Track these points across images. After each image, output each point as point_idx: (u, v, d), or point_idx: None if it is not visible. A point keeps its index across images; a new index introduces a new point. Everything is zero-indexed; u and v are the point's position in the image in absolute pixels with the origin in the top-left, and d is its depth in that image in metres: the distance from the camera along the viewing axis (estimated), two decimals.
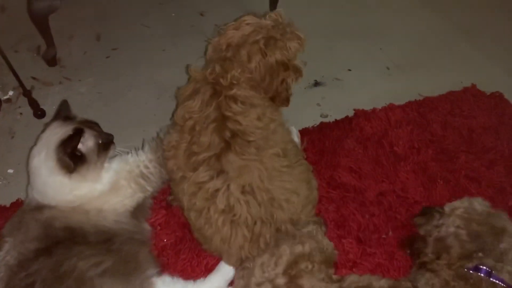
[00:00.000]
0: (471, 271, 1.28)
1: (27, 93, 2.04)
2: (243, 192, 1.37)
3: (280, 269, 1.36)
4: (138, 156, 1.59)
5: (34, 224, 1.34)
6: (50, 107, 2.12)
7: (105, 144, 1.49)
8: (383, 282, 1.28)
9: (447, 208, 1.47)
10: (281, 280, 1.33)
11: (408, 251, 1.48)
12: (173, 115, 1.55)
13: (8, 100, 2.15)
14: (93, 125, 1.51)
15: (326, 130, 2.05)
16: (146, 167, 1.56)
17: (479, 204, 1.44)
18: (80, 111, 2.09)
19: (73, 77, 2.28)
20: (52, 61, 2.30)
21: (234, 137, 1.39)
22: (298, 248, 1.40)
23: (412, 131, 2.04)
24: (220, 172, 1.38)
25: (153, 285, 1.35)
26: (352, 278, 1.31)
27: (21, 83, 2.02)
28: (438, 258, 1.35)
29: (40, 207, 1.40)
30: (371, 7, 2.81)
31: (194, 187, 1.40)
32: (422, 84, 2.32)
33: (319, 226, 1.58)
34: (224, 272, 1.51)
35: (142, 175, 1.55)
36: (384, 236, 1.69)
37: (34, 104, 2.06)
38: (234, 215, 1.37)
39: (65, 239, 1.33)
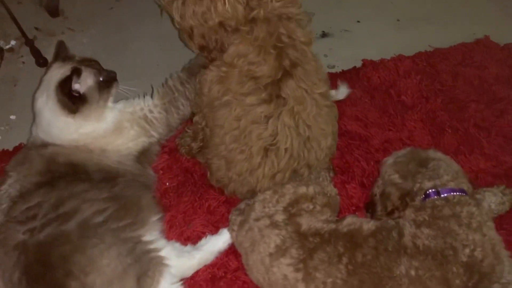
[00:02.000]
0: (424, 201, 1.31)
1: (29, 42, 2.02)
2: (292, 122, 1.33)
3: (281, 206, 1.35)
4: (143, 100, 1.56)
5: (38, 159, 1.34)
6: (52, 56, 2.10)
7: (107, 82, 1.46)
8: (372, 224, 1.29)
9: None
10: (280, 217, 1.32)
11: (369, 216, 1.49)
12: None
13: (11, 50, 2.14)
14: (92, 63, 1.47)
15: (333, 80, 1.99)
16: (151, 111, 1.53)
17: (404, 150, 1.48)
18: None
19: (76, 28, 2.25)
20: (54, 12, 2.27)
21: (295, 66, 1.34)
22: (302, 189, 1.38)
23: (421, 81, 1.98)
24: (277, 97, 1.33)
25: (159, 250, 1.32)
26: (348, 221, 1.31)
27: (24, 33, 2.00)
28: (385, 210, 1.38)
29: (45, 144, 1.39)
30: None
31: (241, 109, 1.34)
32: (433, 36, 2.24)
33: (328, 171, 1.57)
34: (225, 236, 1.48)
35: (146, 119, 1.52)
36: None
37: (36, 53, 2.05)
38: (273, 144, 1.34)
39: (68, 175, 1.32)
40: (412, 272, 1.17)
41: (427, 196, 1.31)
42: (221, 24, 1.32)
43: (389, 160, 1.46)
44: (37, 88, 1.47)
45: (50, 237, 1.18)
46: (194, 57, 1.63)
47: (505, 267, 1.21)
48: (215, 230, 1.52)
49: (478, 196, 1.45)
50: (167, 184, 1.64)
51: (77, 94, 1.39)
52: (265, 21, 1.32)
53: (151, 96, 1.58)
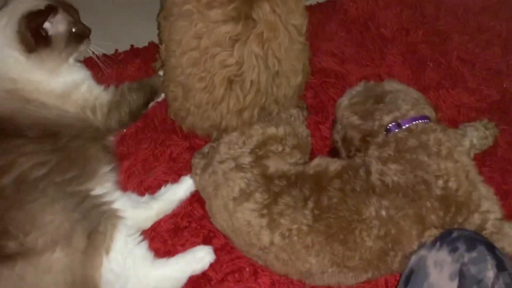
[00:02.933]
0: (386, 135, 1.20)
1: None
2: (260, 50, 1.18)
3: (248, 148, 1.23)
4: (104, 92, 1.39)
5: None
6: None
7: (78, 36, 1.29)
8: (338, 163, 1.18)
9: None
10: (246, 159, 1.20)
11: None
12: None
13: None
14: (71, 10, 1.29)
15: (307, 13, 1.83)
16: (101, 104, 1.36)
17: (358, 87, 1.36)
18: None
19: None
20: None
21: None
22: (271, 130, 1.26)
23: (402, 12, 1.83)
24: (246, 17, 1.15)
25: (112, 202, 1.20)
26: (315, 162, 1.20)
27: None
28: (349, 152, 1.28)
29: None
30: None
31: (203, 25, 1.16)
32: None
33: (301, 111, 1.44)
34: (186, 183, 1.36)
35: (92, 107, 1.34)
36: None
37: None
38: (238, 75, 1.19)
39: None
40: (383, 213, 1.07)
41: (388, 131, 1.19)
42: None
43: (344, 101, 1.33)
44: None
45: None
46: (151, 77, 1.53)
47: (481, 192, 1.12)
48: (177, 178, 1.39)
49: (460, 131, 1.34)
50: (124, 130, 1.49)
51: (43, 34, 1.22)
52: None
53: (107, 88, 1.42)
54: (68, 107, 1.30)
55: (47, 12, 1.22)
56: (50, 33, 1.23)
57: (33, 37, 1.20)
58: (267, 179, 1.15)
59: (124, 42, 1.75)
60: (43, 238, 1.05)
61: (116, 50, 1.72)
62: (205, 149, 1.39)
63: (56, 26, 1.24)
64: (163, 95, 1.51)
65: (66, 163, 1.17)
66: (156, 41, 1.73)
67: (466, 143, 1.29)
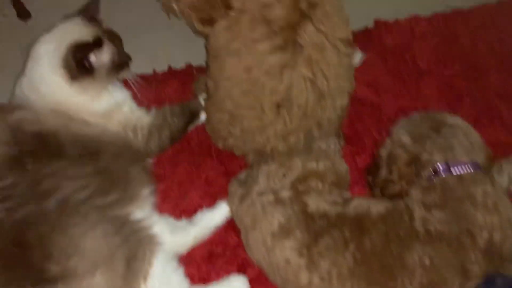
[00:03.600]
0: (432, 178, 1.18)
1: None
2: (310, 73, 1.19)
3: (288, 181, 1.23)
4: (145, 114, 1.40)
5: (3, 126, 1.18)
6: (36, 8, 1.92)
7: (119, 65, 1.31)
8: (380, 206, 1.17)
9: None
10: (286, 193, 1.20)
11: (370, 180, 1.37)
12: None
13: None
14: (115, 39, 1.31)
15: None
16: (141, 126, 1.37)
17: (418, 113, 1.35)
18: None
19: None
20: None
21: (313, 7, 1.18)
22: (312, 165, 1.25)
23: (438, 45, 1.82)
24: (293, 43, 1.17)
25: (151, 227, 1.21)
26: (355, 203, 1.19)
27: None
28: (390, 174, 1.26)
29: (13, 108, 1.23)
30: None
31: (252, 58, 1.18)
32: None
33: (338, 139, 1.45)
34: (222, 209, 1.36)
35: (134, 129, 1.35)
36: None
37: (18, 5, 1.86)
38: (286, 99, 1.20)
39: (37, 149, 1.16)
40: (426, 261, 1.06)
41: (436, 171, 1.17)
42: None
43: (403, 120, 1.33)
44: (48, 32, 1.30)
45: (27, 217, 1.05)
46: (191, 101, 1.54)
47: None
48: (213, 203, 1.39)
49: (495, 168, 1.32)
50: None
51: (86, 64, 1.23)
52: None
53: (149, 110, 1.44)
54: (110, 126, 1.32)
55: (94, 45, 1.23)
56: (94, 64, 1.24)
57: (77, 66, 1.22)
58: (308, 217, 1.15)
59: (161, 62, 1.77)
60: (84, 263, 1.05)
61: (154, 70, 1.74)
62: (242, 176, 1.39)
63: (100, 57, 1.25)
64: (202, 118, 1.53)
65: (107, 186, 1.18)
66: (193, 62, 1.75)
67: (504, 179, 1.27)
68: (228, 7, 1.21)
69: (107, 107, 1.30)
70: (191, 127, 1.53)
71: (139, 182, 1.25)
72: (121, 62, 1.31)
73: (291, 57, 1.17)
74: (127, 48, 1.39)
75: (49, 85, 1.24)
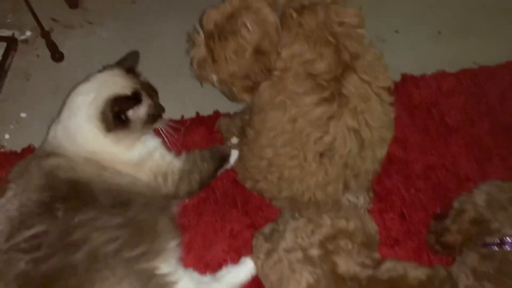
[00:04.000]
0: (495, 247, 1.14)
1: (45, 34, 1.88)
2: (355, 123, 1.19)
3: (316, 239, 1.20)
4: (176, 159, 1.42)
5: (37, 172, 1.19)
6: (69, 51, 1.97)
7: (154, 117, 1.32)
8: (420, 272, 1.13)
9: None
10: (315, 251, 1.17)
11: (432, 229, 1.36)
12: None
13: (25, 41, 2.00)
14: (152, 93, 1.33)
15: None
16: (172, 171, 1.38)
17: (504, 181, 1.32)
18: (101, 57, 1.95)
19: (95, 21, 2.10)
20: (74, 3, 2.13)
21: (356, 58, 1.19)
22: (341, 223, 1.23)
23: (466, 102, 1.82)
24: (339, 95, 1.18)
25: (176, 282, 1.19)
26: (387, 265, 1.16)
27: (40, 24, 1.86)
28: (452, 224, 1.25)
29: (48, 154, 1.24)
30: None
31: (298, 110, 1.19)
32: (478, 52, 2.06)
33: (368, 193, 1.43)
34: (247, 266, 1.34)
35: (164, 175, 1.36)
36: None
37: (52, 46, 1.91)
38: (329, 149, 1.20)
39: (69, 196, 1.16)
40: None
41: (502, 242, 1.13)
42: (257, 51, 1.20)
43: (488, 182, 1.31)
44: (86, 81, 1.31)
45: (55, 269, 1.04)
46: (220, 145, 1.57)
47: None
48: (237, 257, 1.37)
49: None
50: (186, 200, 1.49)
51: (123, 118, 1.24)
52: (311, 11, 1.19)
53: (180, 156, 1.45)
54: (142, 174, 1.32)
55: (133, 100, 1.25)
56: (130, 118, 1.25)
57: (114, 119, 1.23)
58: (338, 278, 1.12)
59: (189, 108, 1.79)
60: None
61: (182, 116, 1.75)
62: (266, 229, 1.37)
63: (137, 112, 1.27)
64: (232, 163, 1.52)
65: (136, 238, 1.16)
66: (221, 110, 1.77)
67: None
68: (271, 70, 1.23)
69: (139, 156, 1.31)
70: (220, 172, 1.53)
71: (167, 234, 1.24)
72: (155, 115, 1.32)
73: (337, 108, 1.18)
74: None
75: (84, 135, 1.24)
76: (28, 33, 2.02)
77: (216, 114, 1.76)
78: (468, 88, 1.88)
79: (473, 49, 2.09)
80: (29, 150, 1.61)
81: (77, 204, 1.15)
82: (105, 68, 1.34)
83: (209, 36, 1.26)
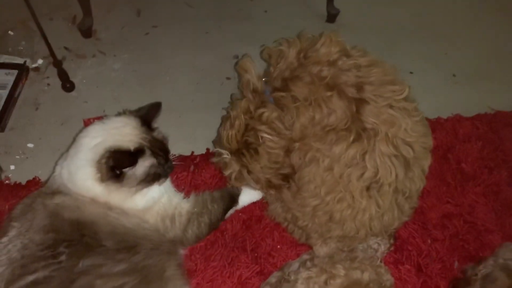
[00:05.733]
0: None
1: (57, 63, 1.86)
2: (391, 148, 1.15)
3: None
4: (184, 201, 1.37)
5: (42, 211, 1.14)
6: (80, 81, 1.95)
7: (154, 176, 1.23)
8: None
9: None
10: None
11: None
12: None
13: (37, 69, 1.98)
14: (159, 152, 1.23)
15: None
16: (180, 213, 1.33)
17: None
18: (112, 88, 1.95)
19: (108, 52, 2.09)
20: (87, 33, 2.13)
21: (360, 88, 1.16)
22: (356, 275, 1.17)
23: (483, 148, 1.77)
24: (363, 130, 1.14)
25: None
26: None
27: (52, 52, 1.84)
28: None
29: (54, 192, 1.19)
30: (438, 7, 2.54)
31: (331, 160, 1.16)
32: (493, 96, 2.05)
33: (389, 240, 1.40)
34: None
35: (172, 218, 1.31)
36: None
37: (63, 76, 1.89)
38: (375, 182, 1.16)
39: (73, 239, 1.10)
40: None
41: None
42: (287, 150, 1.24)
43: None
44: (99, 123, 1.26)
45: None
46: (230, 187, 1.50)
47: None
48: None
49: None
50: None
51: (117, 172, 1.17)
52: (295, 79, 1.19)
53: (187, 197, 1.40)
54: (149, 217, 1.27)
55: (133, 157, 1.17)
56: (125, 172, 1.18)
57: (107, 172, 1.16)
58: None
59: (200, 144, 1.75)
60: None
61: (192, 152, 1.71)
62: (273, 279, 1.31)
63: (133, 170, 1.18)
64: (241, 204, 1.48)
65: (142, 286, 1.10)
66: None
67: None
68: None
69: (145, 203, 1.26)
70: (230, 214, 1.47)
71: (175, 282, 1.18)
72: (156, 175, 1.24)
73: (367, 144, 1.15)
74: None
75: (82, 178, 1.19)
76: (40, 61, 2.01)
77: None
78: (485, 134, 1.84)
79: (488, 94, 2.07)
80: (34, 183, 1.56)
81: (81, 248, 1.09)
82: (124, 113, 1.28)
83: (237, 154, 1.29)
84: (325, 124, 1.16)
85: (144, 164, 1.20)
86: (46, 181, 1.36)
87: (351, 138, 1.14)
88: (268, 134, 1.21)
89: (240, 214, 1.52)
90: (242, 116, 1.26)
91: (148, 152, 1.20)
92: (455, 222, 1.54)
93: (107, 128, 1.22)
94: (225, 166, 1.35)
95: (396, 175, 1.17)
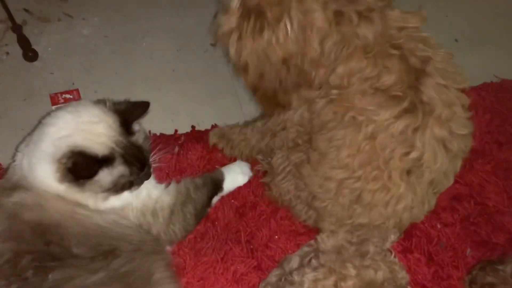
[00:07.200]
0: None
1: (16, 28, 1.63)
2: (444, 132, 1.04)
3: None
4: (158, 188, 1.19)
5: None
6: (44, 49, 1.72)
7: (123, 186, 1.05)
8: None
9: None
10: None
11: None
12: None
13: None
14: (133, 161, 1.04)
15: None
16: (162, 207, 1.16)
17: None
18: (81, 57, 1.72)
19: (75, 15, 1.85)
20: None
21: (426, 61, 1.04)
22: (369, 274, 1.04)
23: (491, 121, 1.65)
24: (420, 103, 1.02)
25: None
26: None
27: (10, 16, 1.61)
28: None
29: (13, 187, 1.01)
30: None
31: (376, 126, 1.02)
32: (498, 63, 1.91)
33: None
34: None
35: (153, 212, 1.15)
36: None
37: (24, 43, 1.66)
38: (418, 166, 1.04)
39: (39, 249, 0.93)
40: None
41: None
42: (284, 61, 1.01)
43: None
44: (70, 109, 1.06)
45: None
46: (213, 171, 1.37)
47: None
48: None
49: None
50: None
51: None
52: (368, 20, 1.01)
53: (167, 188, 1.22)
54: (127, 213, 1.10)
55: (98, 164, 0.99)
56: (88, 178, 1.00)
57: (66, 174, 0.98)
58: None
59: (184, 121, 1.57)
60: None
61: (176, 130, 1.53)
62: (272, 278, 1.18)
63: (99, 177, 1.00)
64: (226, 190, 1.34)
65: None
66: (220, 123, 1.55)
67: None
68: (312, 85, 1.07)
69: (119, 203, 1.08)
70: (215, 201, 1.32)
71: (164, 287, 1.03)
72: (125, 185, 1.06)
73: (422, 118, 1.02)
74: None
75: (41, 174, 1.00)
76: None
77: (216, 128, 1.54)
78: (492, 106, 1.71)
79: (493, 60, 1.93)
80: None
81: (48, 259, 0.92)
82: (104, 102, 1.07)
83: (246, 12, 1.03)
84: (374, 78, 1.01)
85: (112, 173, 1.01)
86: (6, 170, 1.18)
87: (405, 105, 1.00)
88: (293, 26, 1.00)
89: (232, 200, 1.37)
90: None
91: (119, 160, 1.01)
92: (465, 204, 1.43)
93: (78, 121, 1.02)
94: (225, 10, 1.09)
95: (442, 164, 1.05)
